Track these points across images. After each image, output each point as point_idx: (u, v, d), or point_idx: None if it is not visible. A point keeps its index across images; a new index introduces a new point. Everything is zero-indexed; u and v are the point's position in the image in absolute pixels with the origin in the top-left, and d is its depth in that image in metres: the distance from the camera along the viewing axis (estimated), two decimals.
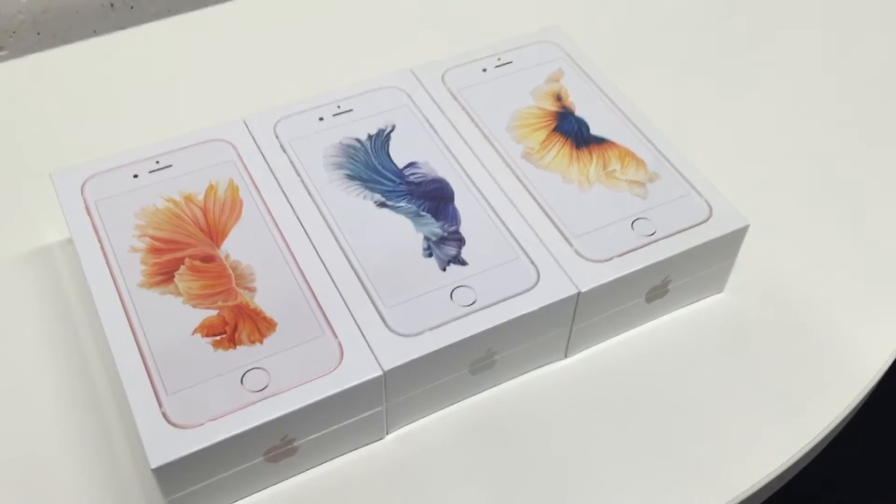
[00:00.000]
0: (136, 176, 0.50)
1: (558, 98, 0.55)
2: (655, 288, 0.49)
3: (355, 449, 0.46)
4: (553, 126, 0.54)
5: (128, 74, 0.65)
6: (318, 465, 0.45)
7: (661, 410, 0.47)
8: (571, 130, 0.53)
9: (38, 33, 0.70)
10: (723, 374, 0.49)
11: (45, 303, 0.51)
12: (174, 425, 0.40)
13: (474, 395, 0.48)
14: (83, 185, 0.49)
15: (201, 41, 0.68)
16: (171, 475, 0.39)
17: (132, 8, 0.74)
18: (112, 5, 0.73)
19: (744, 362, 0.49)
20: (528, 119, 0.54)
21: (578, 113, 0.54)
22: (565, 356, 0.50)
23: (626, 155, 0.52)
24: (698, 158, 0.56)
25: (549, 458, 0.45)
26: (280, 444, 0.42)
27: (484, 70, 0.57)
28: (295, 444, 0.43)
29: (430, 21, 0.70)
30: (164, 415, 0.40)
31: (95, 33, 0.73)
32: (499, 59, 0.58)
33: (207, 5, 0.71)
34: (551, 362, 0.49)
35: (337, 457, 0.45)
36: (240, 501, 0.43)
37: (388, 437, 0.46)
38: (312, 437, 0.43)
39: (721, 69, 0.67)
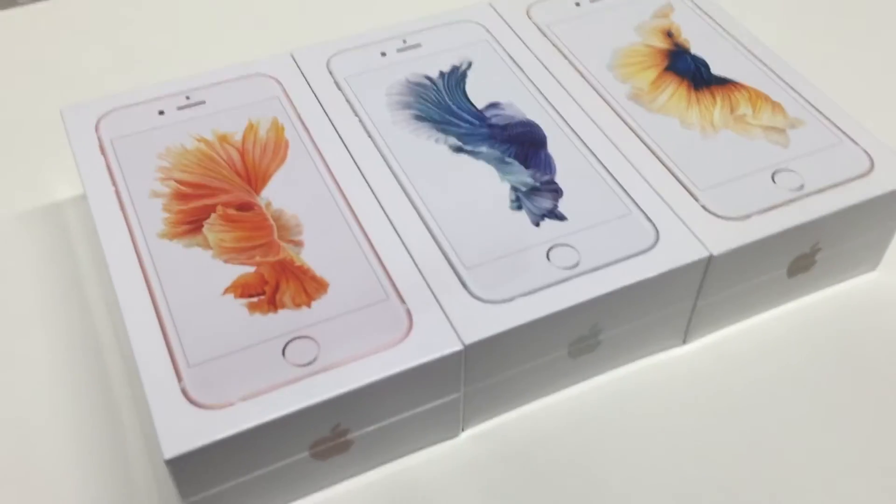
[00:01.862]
0: (161, 112, 0.41)
1: (669, 35, 0.46)
2: (801, 257, 0.39)
3: (422, 448, 0.36)
4: (665, 65, 0.44)
5: (157, 4, 0.57)
6: (376, 466, 0.35)
7: (802, 413, 0.37)
8: (688, 70, 0.44)
9: None
10: (881, 372, 0.39)
11: (51, 267, 0.42)
12: (196, 405, 0.31)
13: (571, 385, 0.38)
14: (98, 121, 0.41)
15: None
16: (189, 469, 0.30)
17: None
18: None
19: None
20: (634, 57, 0.45)
21: (695, 51, 0.45)
22: (684, 342, 0.40)
23: (759, 97, 0.42)
24: (847, 105, 0.46)
25: (657, 468, 0.36)
26: (330, 437, 0.33)
27: (577, 4, 0.48)
28: (349, 436, 0.33)
29: None
30: (183, 391, 0.31)
31: None
32: None
33: None
34: (667, 349, 0.40)
35: (399, 457, 0.36)
36: None
37: (464, 435, 0.37)
38: (370, 428, 0.34)
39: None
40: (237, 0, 0.57)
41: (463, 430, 0.37)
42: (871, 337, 0.40)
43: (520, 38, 0.45)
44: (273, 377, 0.32)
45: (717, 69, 0.44)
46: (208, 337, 0.33)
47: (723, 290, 0.38)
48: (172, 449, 0.30)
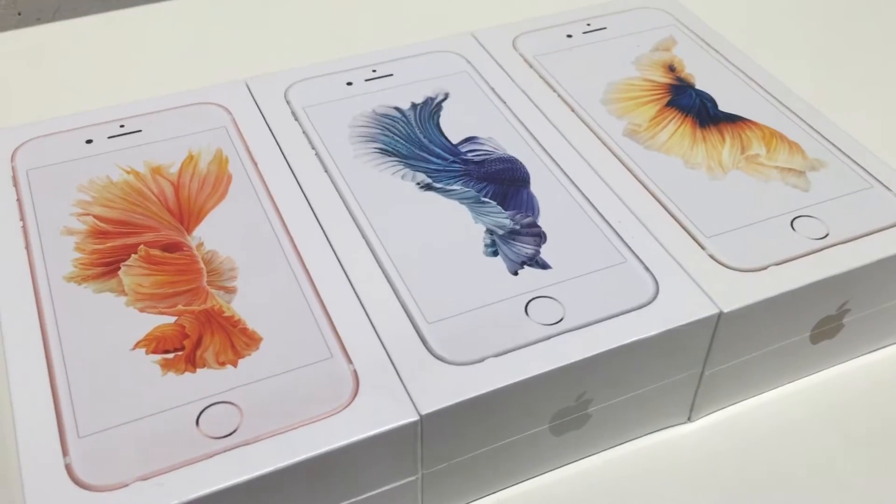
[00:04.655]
0: (89, 141, 0.36)
1: (671, 69, 0.41)
2: (827, 319, 0.33)
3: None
4: (667, 100, 0.39)
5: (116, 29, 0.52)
6: None
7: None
8: (693, 106, 0.39)
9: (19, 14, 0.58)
10: None
11: None
12: (81, 485, 0.25)
13: (553, 468, 0.32)
14: (16, 150, 0.36)
15: None
16: None
17: None
18: None
19: None
20: (632, 91, 0.39)
21: (700, 86, 0.40)
22: (689, 418, 0.34)
23: (773, 136, 0.37)
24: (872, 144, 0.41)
25: None
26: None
27: (569, 36, 0.43)
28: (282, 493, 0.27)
29: None
30: (67, 468, 0.25)
31: None
32: (588, 24, 0.44)
33: None
34: (669, 426, 0.33)
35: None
36: None
37: None
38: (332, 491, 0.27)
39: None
40: (197, 27, 0.53)
41: None
42: None
43: (503, 70, 0.40)
44: (182, 452, 0.26)
45: (725, 105, 0.39)
46: (107, 402, 0.27)
47: (735, 356, 0.32)
48: None
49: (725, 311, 0.30)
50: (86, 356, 0.28)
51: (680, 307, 0.30)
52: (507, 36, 0.43)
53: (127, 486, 0.25)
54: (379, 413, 0.27)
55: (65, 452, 0.26)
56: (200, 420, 0.26)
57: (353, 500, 0.28)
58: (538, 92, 0.39)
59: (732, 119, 0.38)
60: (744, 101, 0.39)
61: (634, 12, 0.44)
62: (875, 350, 0.36)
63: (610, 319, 0.30)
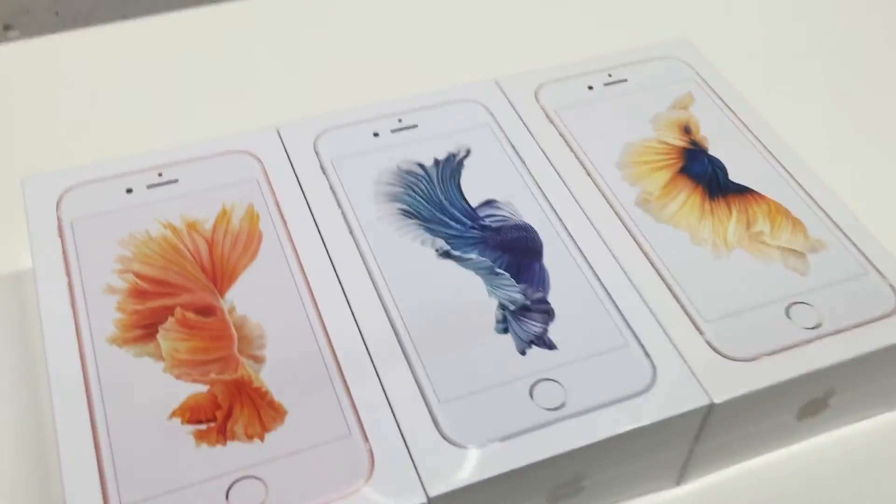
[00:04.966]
0: (129, 191, 0.38)
1: (687, 130, 0.42)
2: (813, 402, 0.35)
3: None
4: (680, 166, 0.41)
5: (145, 66, 0.54)
6: None
7: None
8: (704, 174, 0.40)
9: (57, 13, 0.60)
10: None
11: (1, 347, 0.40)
12: None
13: None
14: (61, 197, 0.38)
15: (239, 31, 0.56)
16: None
17: None
18: None
19: None
20: (647, 154, 0.41)
21: (713, 151, 0.41)
22: (678, 483, 0.36)
23: (779, 212, 0.39)
24: (872, 220, 0.42)
25: None
26: None
27: (590, 87, 0.44)
28: None
29: (521, 24, 0.58)
30: None
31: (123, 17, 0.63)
32: (609, 75, 0.45)
33: None
34: (658, 490, 0.36)
35: None
36: None
37: None
38: None
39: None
40: (226, 66, 0.54)
41: None
42: (891, 481, 0.36)
43: (524, 124, 0.42)
44: None
45: (735, 174, 0.40)
46: (147, 471, 0.30)
47: (723, 434, 0.34)
48: None
49: (717, 402, 0.32)
50: (127, 423, 0.31)
51: (675, 396, 0.32)
52: (530, 85, 0.44)
53: None
54: (390, 493, 0.29)
55: None
56: (230, 494, 0.29)
57: None
58: (557, 151, 0.41)
59: (741, 191, 0.40)
60: (753, 171, 0.40)
61: (655, 63, 0.46)
62: (859, 421, 0.38)
63: (608, 407, 0.32)
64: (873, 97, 0.54)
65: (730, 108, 0.43)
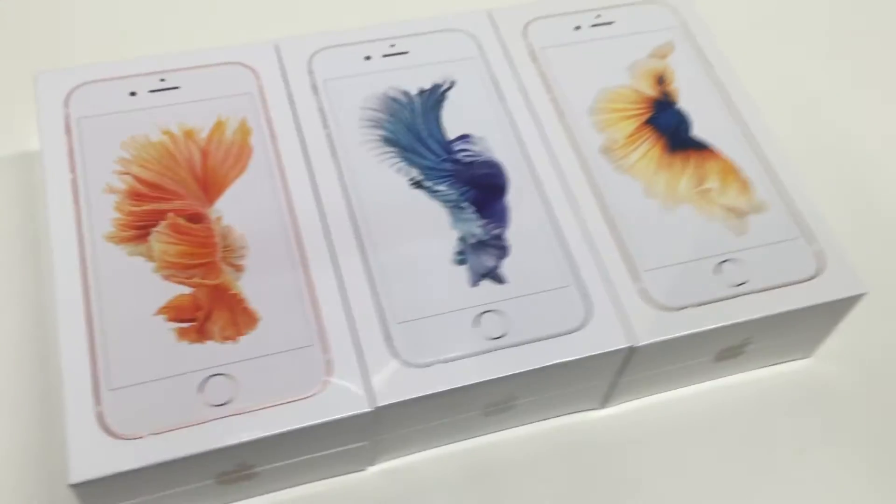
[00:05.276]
0: (133, 94, 0.41)
1: (660, 81, 0.45)
2: (730, 348, 0.40)
3: (330, 478, 0.38)
4: (647, 116, 0.43)
5: None
6: (282, 489, 0.38)
7: (714, 485, 0.39)
8: (668, 126, 0.43)
9: None
10: (801, 453, 0.40)
11: (6, 223, 0.44)
12: (108, 432, 0.33)
13: (482, 435, 0.40)
14: (69, 94, 0.41)
15: None
16: (92, 491, 0.32)
17: None
18: None
19: (830, 438, 0.40)
20: (619, 102, 0.44)
21: (682, 104, 0.44)
22: (602, 406, 0.41)
23: (730, 172, 0.42)
24: (825, 185, 0.45)
25: None
26: (235, 470, 0.35)
27: (577, 27, 0.46)
28: (254, 470, 0.35)
29: None
30: (99, 416, 0.33)
31: None
32: (598, 15, 0.47)
33: None
34: (584, 411, 0.41)
35: (305, 483, 0.38)
36: None
37: (371, 470, 0.39)
38: (277, 465, 0.35)
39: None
40: None
41: (372, 465, 0.39)
42: (795, 421, 0.41)
43: (509, 61, 0.44)
44: (186, 415, 0.33)
45: (698, 129, 0.43)
46: (133, 361, 0.34)
47: (646, 370, 0.39)
48: (79, 474, 0.32)
49: (638, 345, 0.36)
50: (118, 316, 0.35)
51: (602, 337, 0.36)
52: (521, 20, 0.46)
53: (142, 438, 0.33)
54: (340, 403, 0.34)
55: (98, 402, 0.33)
56: (204, 387, 0.34)
57: (317, 454, 0.36)
58: (535, 91, 0.43)
59: (700, 146, 0.42)
60: (716, 127, 0.43)
61: (644, 7, 0.47)
62: (773, 365, 0.43)
63: (543, 341, 0.36)
64: (873, 52, 0.56)
65: (707, 61, 0.46)
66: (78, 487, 0.32)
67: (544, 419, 0.40)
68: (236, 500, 0.37)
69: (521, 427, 0.40)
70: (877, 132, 0.52)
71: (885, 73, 0.55)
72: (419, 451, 0.39)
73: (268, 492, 0.37)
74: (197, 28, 0.52)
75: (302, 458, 0.36)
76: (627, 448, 0.40)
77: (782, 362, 0.43)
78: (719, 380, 0.42)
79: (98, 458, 0.32)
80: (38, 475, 0.37)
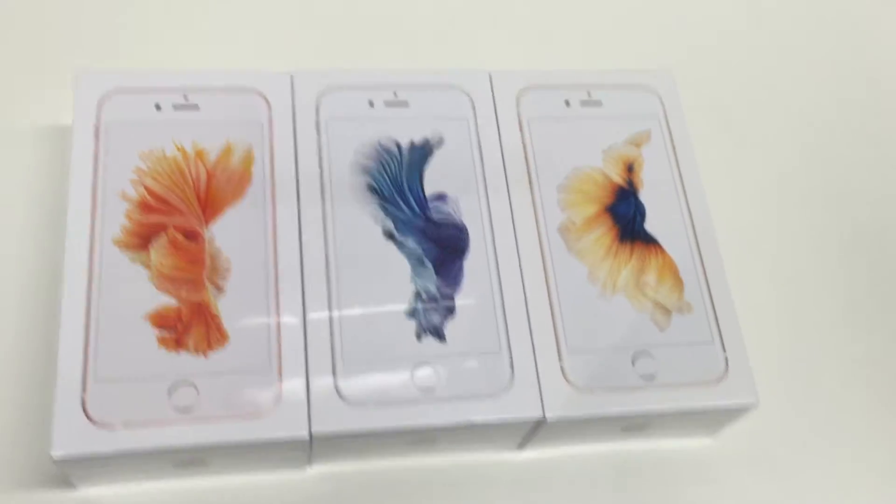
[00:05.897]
0: (158, 107, 0.46)
1: (629, 168, 0.49)
2: (633, 426, 0.45)
3: (271, 471, 0.45)
4: (609, 203, 0.48)
5: None
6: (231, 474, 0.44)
7: None
8: (625, 216, 0.48)
9: None
10: None
11: (38, 191, 0.49)
12: (88, 417, 0.39)
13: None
14: (103, 98, 0.46)
15: None
16: (71, 464, 0.39)
17: None
18: None
19: None
20: (587, 183, 0.48)
21: (643, 195, 0.49)
22: (518, 450, 0.47)
23: (668, 269, 0.47)
24: (757, 294, 0.50)
25: None
26: (191, 461, 0.41)
27: (567, 103, 0.51)
28: (207, 463, 0.42)
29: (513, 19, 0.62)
30: (82, 402, 0.39)
31: None
32: (588, 93, 0.51)
33: None
34: (501, 451, 0.47)
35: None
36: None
37: (310, 471, 0.45)
38: (226, 461, 0.42)
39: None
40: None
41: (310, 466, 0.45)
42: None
43: (497, 127, 0.49)
44: (154, 414, 0.40)
45: (651, 222, 0.48)
46: (118, 358, 0.40)
47: (554, 437, 0.45)
48: (60, 450, 0.38)
49: (548, 417, 0.42)
50: (112, 315, 0.41)
51: (519, 404, 0.42)
52: (516, 86, 0.50)
53: (114, 428, 0.39)
54: (285, 425, 0.40)
55: (84, 389, 0.40)
56: (173, 392, 0.40)
57: (259, 461, 0.42)
58: (515, 161, 0.48)
59: (647, 240, 0.47)
60: (668, 225, 0.48)
61: (632, 91, 0.52)
62: (669, 438, 0.49)
63: (467, 399, 0.42)
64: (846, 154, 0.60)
65: (675, 156, 0.50)
66: (58, 462, 0.38)
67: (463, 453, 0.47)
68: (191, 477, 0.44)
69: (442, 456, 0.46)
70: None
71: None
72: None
73: (218, 474, 0.44)
74: (221, 43, 0.56)
75: (248, 461, 0.42)
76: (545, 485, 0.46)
77: (685, 438, 0.49)
78: (626, 442, 0.48)
79: (76, 439, 0.39)
80: (29, 448, 0.44)
